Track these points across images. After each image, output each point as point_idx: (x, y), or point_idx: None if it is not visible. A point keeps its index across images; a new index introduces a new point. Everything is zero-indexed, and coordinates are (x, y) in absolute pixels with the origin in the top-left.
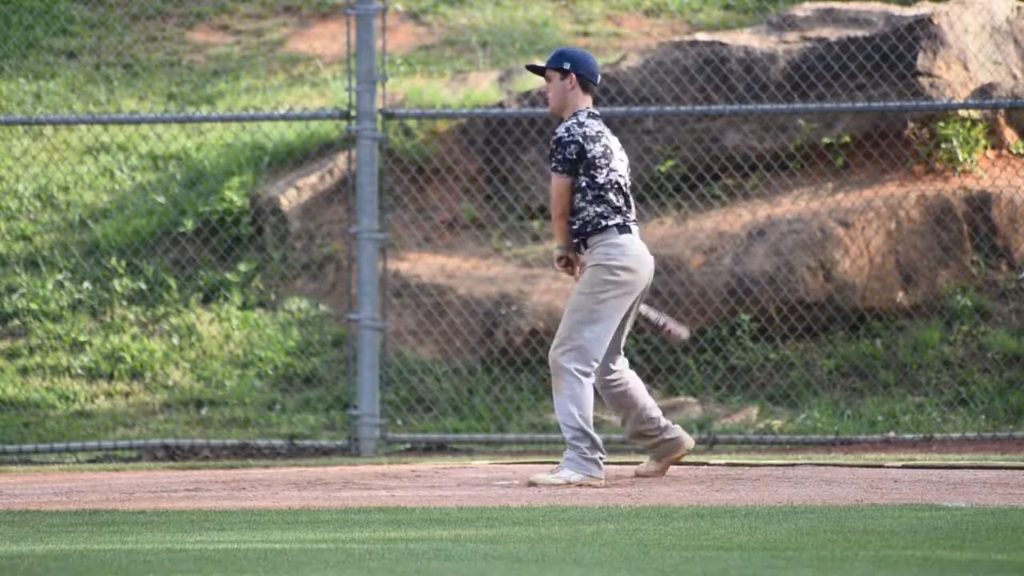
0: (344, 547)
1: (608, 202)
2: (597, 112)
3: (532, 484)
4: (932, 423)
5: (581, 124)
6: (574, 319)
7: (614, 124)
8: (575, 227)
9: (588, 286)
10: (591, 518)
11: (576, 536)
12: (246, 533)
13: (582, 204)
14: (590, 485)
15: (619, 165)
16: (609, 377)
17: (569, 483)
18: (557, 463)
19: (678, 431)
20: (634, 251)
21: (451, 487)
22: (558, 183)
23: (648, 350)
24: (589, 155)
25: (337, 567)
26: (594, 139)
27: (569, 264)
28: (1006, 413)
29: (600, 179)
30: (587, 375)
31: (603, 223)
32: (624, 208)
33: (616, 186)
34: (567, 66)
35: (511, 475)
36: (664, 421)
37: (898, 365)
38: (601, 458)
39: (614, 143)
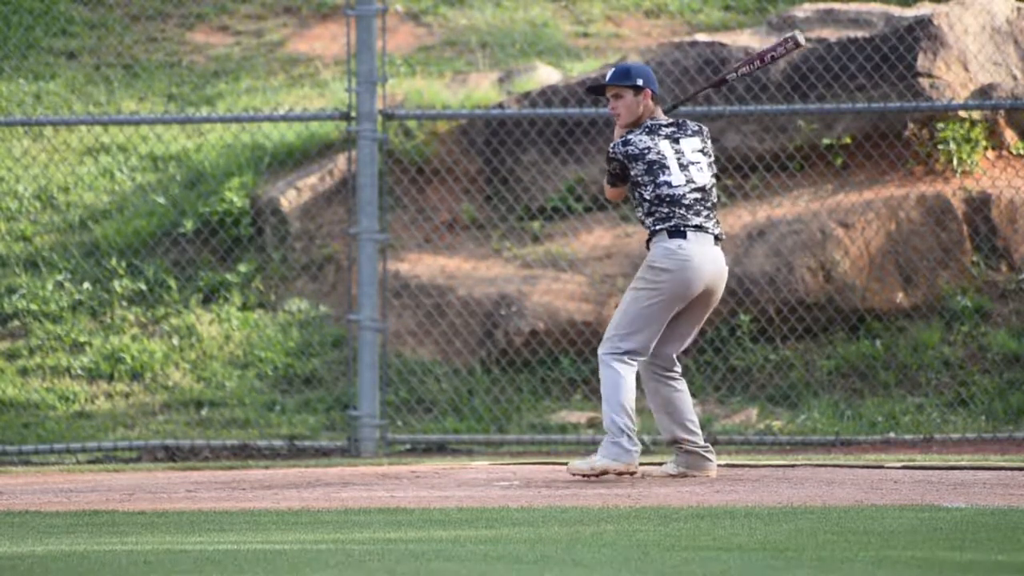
0: (344, 548)
1: (659, 213)
2: (664, 121)
3: (570, 472)
4: (932, 424)
5: (627, 142)
6: (617, 313)
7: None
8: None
9: (634, 283)
10: (591, 519)
11: (576, 537)
12: (246, 534)
13: (640, 215)
14: (616, 471)
15: (674, 176)
16: (667, 374)
17: (593, 468)
18: (557, 463)
19: (712, 456)
20: (682, 255)
21: (451, 488)
22: (606, 190)
23: None
24: (632, 174)
25: (337, 568)
26: (638, 157)
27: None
28: (1006, 414)
29: (647, 195)
30: (624, 364)
31: (655, 227)
32: (680, 214)
33: (668, 199)
34: (640, 82)
35: (511, 476)
36: (699, 441)
37: (898, 366)
38: (633, 448)
39: (672, 149)
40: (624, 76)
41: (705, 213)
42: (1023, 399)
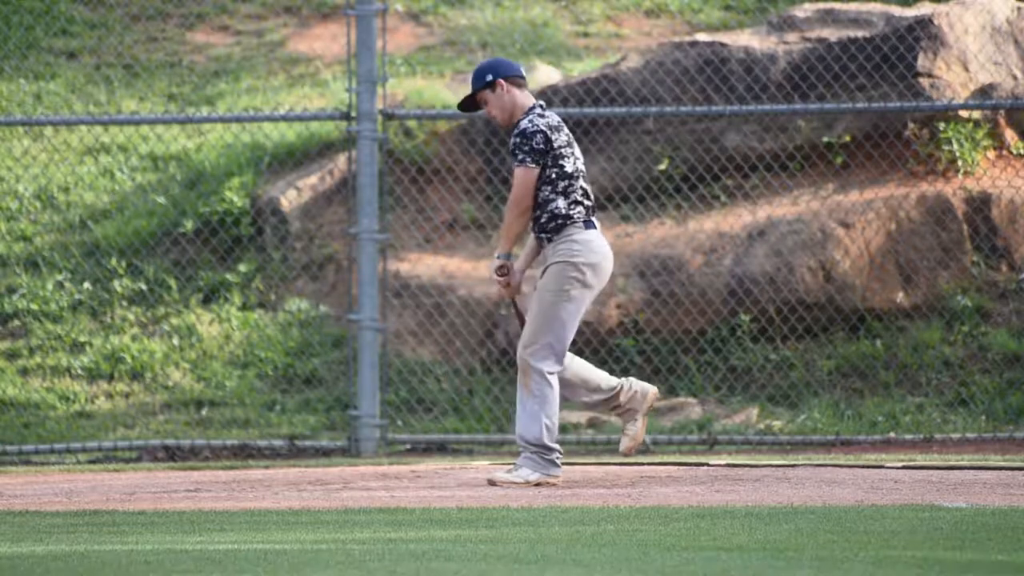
0: (344, 548)
1: (576, 192)
2: (545, 108)
3: (492, 483)
4: (932, 424)
5: (542, 116)
6: (542, 319)
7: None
8: (541, 220)
9: (555, 284)
10: (591, 519)
11: (576, 537)
12: (246, 534)
13: (551, 196)
14: (548, 484)
15: (581, 155)
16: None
17: (527, 482)
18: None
19: (636, 383)
20: (598, 248)
21: (451, 488)
22: (526, 175)
23: (648, 351)
24: (555, 144)
25: (337, 568)
26: (557, 128)
27: (507, 274)
28: (1006, 414)
29: (568, 168)
30: (555, 375)
31: (571, 217)
32: (588, 202)
33: (583, 175)
34: (490, 77)
35: None
36: (618, 380)
37: (898, 366)
38: (558, 457)
39: (571, 137)
40: (477, 79)
41: (593, 203)
42: (1023, 399)
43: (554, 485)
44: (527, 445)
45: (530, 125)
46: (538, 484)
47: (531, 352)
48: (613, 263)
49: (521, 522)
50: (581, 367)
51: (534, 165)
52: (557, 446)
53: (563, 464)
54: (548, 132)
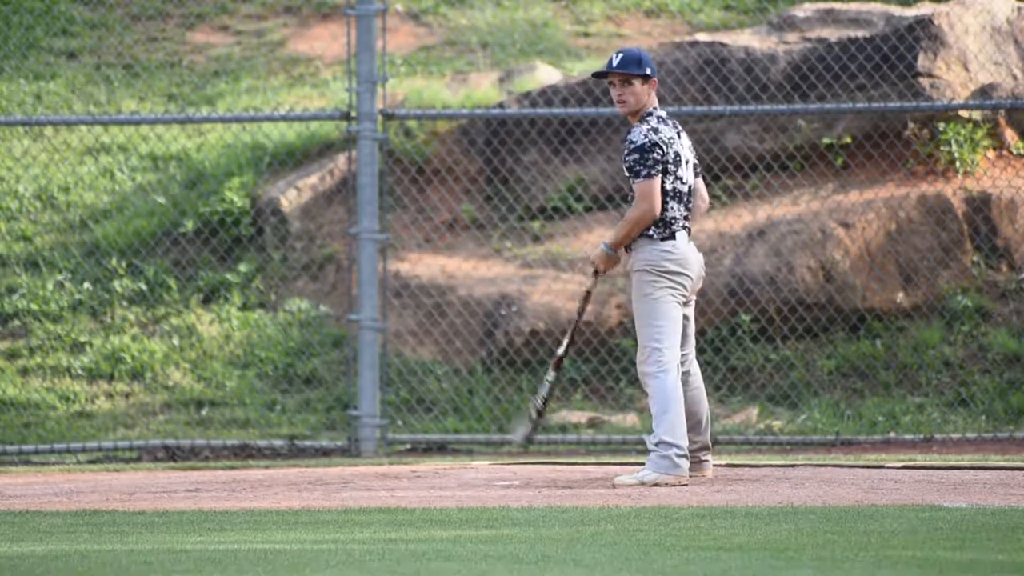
0: (344, 548)
1: (664, 210)
2: (663, 113)
3: (614, 485)
4: (932, 424)
5: (656, 131)
6: (640, 327)
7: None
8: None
9: (638, 292)
10: (591, 519)
11: (576, 537)
12: (246, 534)
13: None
14: (669, 484)
15: (684, 172)
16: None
17: (642, 483)
18: (554, 463)
19: (709, 457)
20: (677, 255)
21: (451, 488)
22: (651, 185)
23: None
24: (663, 160)
25: (337, 568)
26: (668, 144)
27: (601, 272)
28: (1006, 414)
29: (667, 186)
30: (663, 373)
31: (650, 232)
32: (680, 212)
33: (678, 195)
34: (649, 71)
35: (511, 476)
36: (704, 442)
37: (898, 366)
38: (677, 453)
39: (683, 145)
40: (636, 64)
41: (687, 212)
42: (1023, 399)
43: (675, 485)
44: (653, 447)
45: (646, 140)
46: (655, 485)
47: (640, 361)
48: (697, 269)
49: (521, 522)
50: (698, 405)
51: (657, 175)
52: (679, 442)
53: (564, 464)
54: (664, 147)
